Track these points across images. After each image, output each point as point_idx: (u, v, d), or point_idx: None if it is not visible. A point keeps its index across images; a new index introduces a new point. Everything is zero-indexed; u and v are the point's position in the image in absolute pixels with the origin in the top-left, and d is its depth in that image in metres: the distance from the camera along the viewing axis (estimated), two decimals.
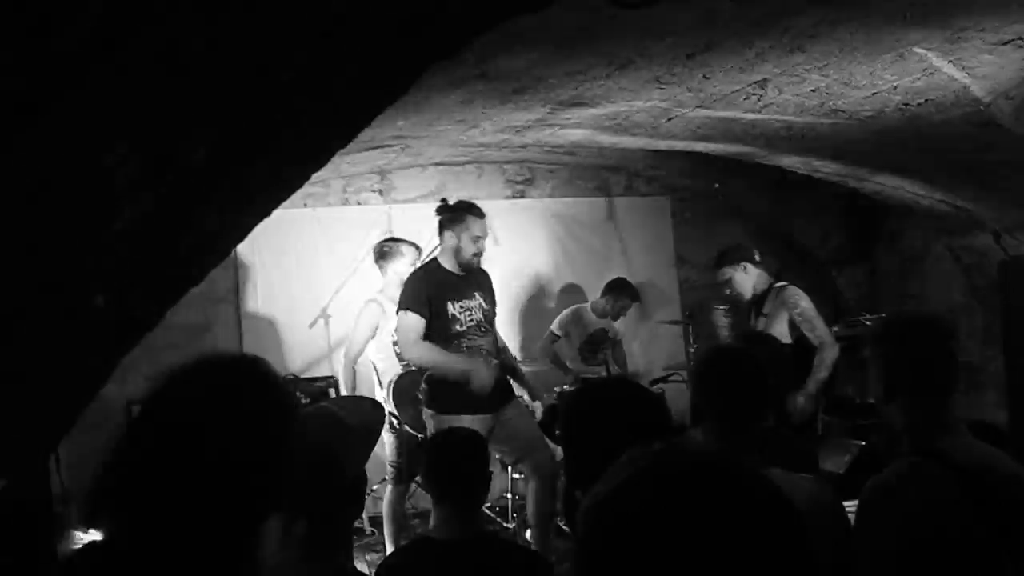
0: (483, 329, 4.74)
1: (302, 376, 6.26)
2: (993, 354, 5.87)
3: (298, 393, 5.71)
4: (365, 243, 6.68)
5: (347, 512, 2.07)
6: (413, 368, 5.10)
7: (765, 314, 5.08)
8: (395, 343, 5.22)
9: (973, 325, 6.23)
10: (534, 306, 6.99)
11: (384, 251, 5.65)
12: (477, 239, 4.70)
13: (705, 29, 3.12)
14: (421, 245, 6.39)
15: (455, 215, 4.74)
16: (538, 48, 3.33)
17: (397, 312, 4.70)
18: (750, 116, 4.41)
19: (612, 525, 0.92)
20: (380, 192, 6.87)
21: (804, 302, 4.97)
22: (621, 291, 6.43)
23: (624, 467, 0.97)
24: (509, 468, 5.84)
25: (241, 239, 0.97)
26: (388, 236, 5.57)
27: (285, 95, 0.77)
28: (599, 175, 7.21)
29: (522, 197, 7.14)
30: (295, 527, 2.02)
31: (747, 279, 5.20)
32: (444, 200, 4.89)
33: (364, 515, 5.99)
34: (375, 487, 6.18)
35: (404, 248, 5.62)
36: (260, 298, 6.52)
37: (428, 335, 4.59)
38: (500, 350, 4.93)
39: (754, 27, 3.12)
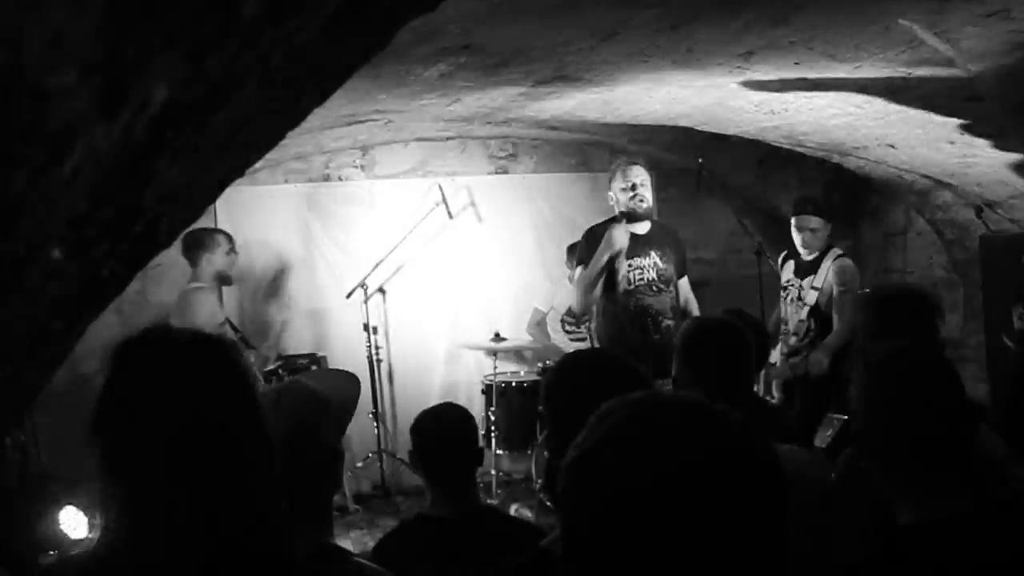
0: (655, 288, 4.75)
1: (285, 354, 6.23)
2: (974, 328, 5.90)
3: (280, 371, 5.69)
4: (348, 220, 6.65)
5: (325, 486, 2.05)
6: None
7: (814, 280, 5.14)
8: None
9: (955, 299, 6.26)
10: (519, 281, 6.96)
11: (197, 240, 5.33)
12: (624, 189, 4.74)
13: (688, 1, 3.09)
14: (401, 221, 6.37)
15: (611, 173, 4.86)
16: (521, 19, 3.29)
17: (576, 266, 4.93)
18: (738, 102, 4.40)
19: (597, 473, 0.91)
20: (362, 168, 6.83)
21: (856, 283, 5.09)
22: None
23: (603, 418, 0.96)
24: (493, 444, 5.85)
25: (212, 199, 0.94)
26: (200, 227, 5.36)
27: (251, 33, 0.74)
28: (582, 150, 7.18)
29: (505, 173, 7.10)
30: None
31: (821, 238, 5.25)
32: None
33: (348, 492, 5.98)
34: (359, 464, 6.18)
35: (219, 238, 5.40)
36: (242, 276, 6.46)
37: (601, 291, 4.71)
38: (679, 312, 4.89)
39: None
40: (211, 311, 5.22)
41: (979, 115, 4.18)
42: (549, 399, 1.87)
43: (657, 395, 1.03)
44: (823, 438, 2.81)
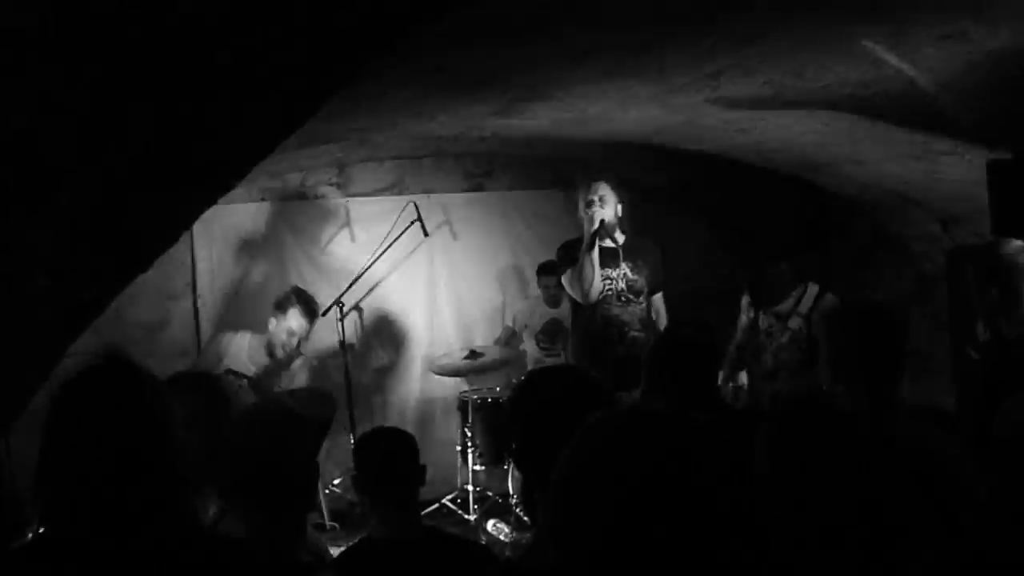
0: (623, 299, 4.86)
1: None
2: (943, 340, 5.99)
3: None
4: (322, 238, 6.68)
5: (299, 504, 2.09)
6: None
7: (802, 314, 5.16)
8: None
9: (923, 312, 6.35)
10: (494, 300, 7.02)
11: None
12: (598, 202, 4.89)
13: (657, 22, 3.16)
14: (376, 239, 6.42)
15: (581, 190, 5.02)
16: (494, 41, 3.35)
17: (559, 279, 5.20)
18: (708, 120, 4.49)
19: (590, 487, 0.97)
20: (338, 186, 6.86)
21: None
22: (540, 271, 6.50)
23: (584, 437, 1.03)
24: (470, 460, 5.88)
25: (188, 225, 0.98)
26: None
27: (224, 78, 0.79)
28: (557, 167, 7.24)
29: (480, 190, 7.16)
30: (251, 518, 2.03)
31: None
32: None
33: (325, 509, 5.99)
34: (336, 481, 6.19)
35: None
36: (218, 293, 6.47)
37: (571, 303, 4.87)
38: (649, 324, 4.98)
39: (706, 20, 3.17)
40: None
41: (942, 132, 4.27)
42: (515, 414, 1.92)
43: (630, 410, 1.10)
44: None
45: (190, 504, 1.57)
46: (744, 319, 5.33)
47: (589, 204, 4.93)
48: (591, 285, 4.88)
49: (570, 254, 4.98)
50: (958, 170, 4.69)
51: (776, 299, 5.18)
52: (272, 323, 5.50)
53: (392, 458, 2.71)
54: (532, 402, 1.88)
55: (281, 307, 5.53)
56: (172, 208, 1.02)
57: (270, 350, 5.51)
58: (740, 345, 5.41)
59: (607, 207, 4.94)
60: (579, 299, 5.06)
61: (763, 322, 5.30)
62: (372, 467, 2.71)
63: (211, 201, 1.58)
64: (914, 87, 3.78)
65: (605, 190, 4.96)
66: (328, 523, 5.97)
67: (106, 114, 0.65)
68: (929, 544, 1.96)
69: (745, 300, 5.42)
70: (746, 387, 5.34)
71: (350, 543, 2.88)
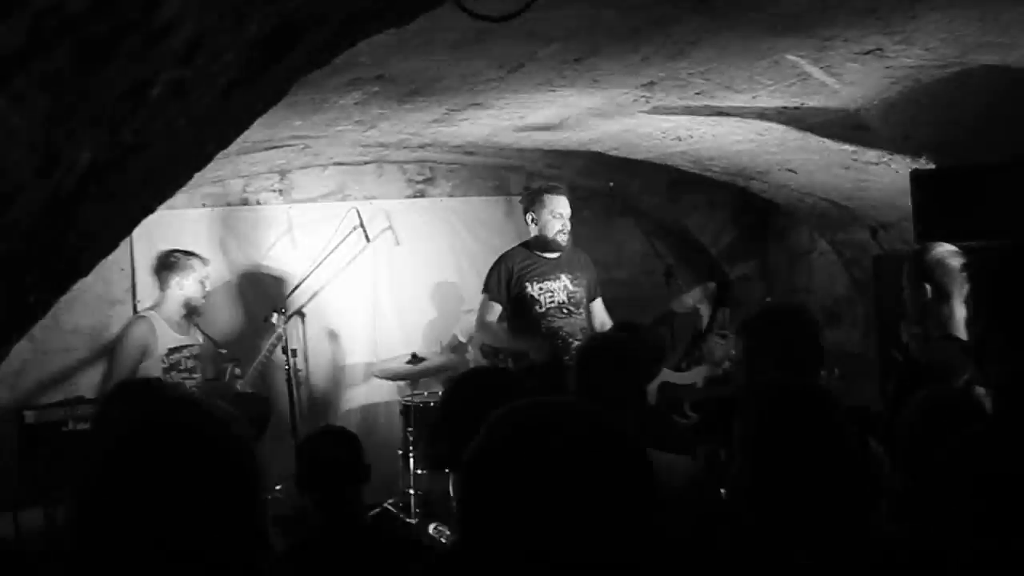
0: (565, 311, 4.85)
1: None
2: (873, 343, 6.17)
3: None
4: (264, 244, 6.67)
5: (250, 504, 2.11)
6: None
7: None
8: None
9: (855, 315, 6.54)
10: (437, 305, 7.06)
11: (171, 262, 5.33)
12: (558, 215, 4.85)
13: (589, 35, 3.25)
14: (319, 245, 6.43)
15: (534, 195, 4.93)
16: (431, 52, 3.41)
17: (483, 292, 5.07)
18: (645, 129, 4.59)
19: (489, 469, 1.04)
20: (280, 192, 6.86)
21: None
22: None
23: (492, 423, 1.10)
24: (411, 463, 5.92)
25: (127, 234, 1.02)
26: (175, 248, 5.35)
27: (157, 108, 0.85)
28: (498, 174, 7.31)
29: (423, 196, 7.20)
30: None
31: None
32: (526, 186, 5.15)
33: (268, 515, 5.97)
34: (278, 487, 6.18)
35: (195, 263, 5.40)
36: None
37: (511, 316, 4.76)
38: (587, 333, 4.99)
39: (637, 33, 3.26)
40: (143, 343, 5.17)
41: (868, 143, 4.43)
42: (444, 414, 1.99)
43: (537, 401, 1.17)
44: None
45: None
46: (701, 308, 5.46)
47: (560, 217, 4.93)
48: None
49: (504, 283, 5.00)
50: (885, 179, 4.85)
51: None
52: (175, 283, 5.29)
53: (334, 458, 2.75)
54: (456, 403, 1.95)
55: (175, 266, 5.29)
56: (113, 219, 1.06)
57: (189, 311, 5.34)
58: (695, 335, 5.55)
59: (567, 223, 4.98)
60: (475, 332, 5.25)
61: (719, 320, 5.46)
62: (314, 467, 2.75)
63: (149, 210, 1.62)
64: (837, 99, 3.91)
65: (568, 207, 5.00)
66: (271, 529, 5.96)
67: (59, 141, 0.70)
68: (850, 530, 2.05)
69: (703, 292, 5.54)
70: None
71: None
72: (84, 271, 0.99)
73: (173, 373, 5.26)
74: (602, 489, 1.03)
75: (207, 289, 5.47)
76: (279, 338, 5.91)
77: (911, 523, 2.05)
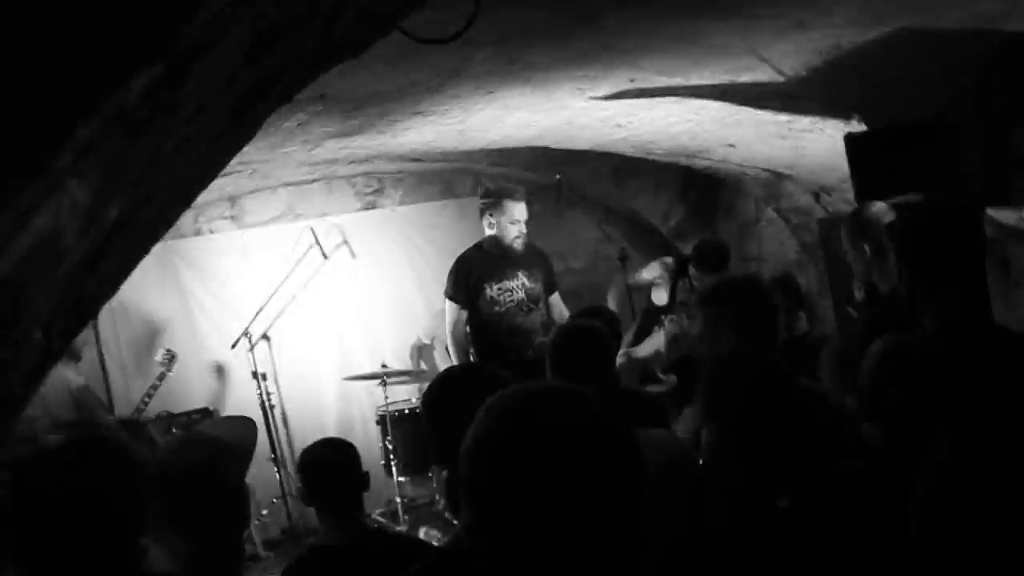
0: (525, 308, 4.92)
1: (175, 411, 6.22)
2: (828, 304, 6.34)
3: (173, 428, 5.70)
4: (223, 271, 6.69)
5: (233, 526, 2.18)
6: None
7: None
8: None
9: (808, 278, 6.71)
10: (399, 313, 7.12)
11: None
12: (516, 222, 4.90)
13: (521, 36, 3.34)
14: (277, 267, 6.46)
15: (494, 200, 4.95)
16: (370, 67, 3.48)
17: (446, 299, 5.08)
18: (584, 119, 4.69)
19: (491, 455, 1.13)
20: (232, 218, 6.88)
21: None
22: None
23: (488, 410, 1.19)
24: (394, 472, 5.98)
25: (127, 276, 1.10)
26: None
27: (167, 162, 0.93)
28: (446, 178, 7.39)
29: (373, 208, 7.25)
30: (182, 545, 2.12)
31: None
32: (487, 188, 5.15)
33: (257, 539, 6.02)
34: (264, 511, 6.22)
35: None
36: (120, 335, 6.43)
37: (471, 317, 4.83)
38: (551, 327, 5.03)
39: (568, 30, 3.36)
40: (60, 384, 5.10)
41: (801, 111, 4.56)
42: (431, 413, 2.06)
43: (529, 386, 1.26)
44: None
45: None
46: (660, 282, 5.59)
47: (519, 223, 5.03)
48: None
49: (465, 282, 5.05)
50: (820, 145, 4.99)
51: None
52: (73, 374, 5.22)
53: (334, 467, 2.82)
54: (444, 398, 2.03)
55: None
56: (121, 264, 1.14)
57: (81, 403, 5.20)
58: (661, 308, 5.67)
59: (524, 227, 5.04)
60: (445, 335, 5.22)
61: (680, 292, 5.59)
62: (316, 477, 2.83)
63: (147, 252, 1.70)
64: (770, 73, 4.04)
65: (525, 212, 5.08)
66: (263, 553, 6.01)
67: (99, 202, 0.81)
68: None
69: (661, 267, 5.66)
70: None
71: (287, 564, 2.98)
72: (94, 315, 1.07)
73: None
74: (596, 465, 1.11)
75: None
76: (161, 377, 5.93)
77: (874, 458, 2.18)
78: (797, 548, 1.80)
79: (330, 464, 2.84)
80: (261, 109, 1.09)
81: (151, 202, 1.01)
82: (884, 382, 2.16)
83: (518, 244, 5.00)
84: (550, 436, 1.11)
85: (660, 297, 5.76)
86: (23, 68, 0.69)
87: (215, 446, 2.09)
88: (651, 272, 5.87)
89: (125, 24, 0.74)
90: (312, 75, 1.17)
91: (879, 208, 3.59)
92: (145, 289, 6.46)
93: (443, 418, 2.00)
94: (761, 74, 4.11)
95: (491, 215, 5.05)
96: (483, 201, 5.13)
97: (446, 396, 2.07)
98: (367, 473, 2.89)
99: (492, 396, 1.21)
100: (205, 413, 6.14)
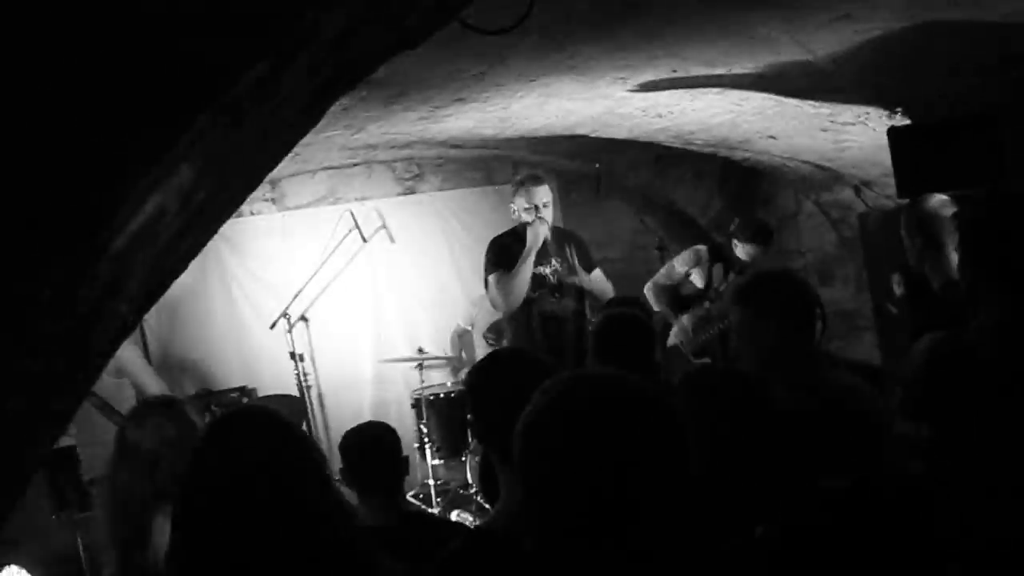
0: (556, 295, 4.93)
1: (215, 390, 6.32)
2: (867, 299, 6.31)
3: (212, 406, 5.79)
4: (263, 253, 6.77)
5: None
6: None
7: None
8: None
9: (846, 273, 6.68)
10: (436, 298, 7.17)
11: None
12: (528, 210, 4.82)
13: (565, 24, 3.35)
14: (316, 250, 6.53)
15: (516, 186, 4.94)
16: (415, 53, 3.51)
17: (485, 276, 4.97)
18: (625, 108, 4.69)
19: (545, 433, 1.16)
20: (273, 201, 6.96)
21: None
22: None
23: (544, 392, 1.22)
24: (428, 455, 6.04)
25: (196, 256, 1.15)
26: None
27: (250, 148, 0.98)
28: (485, 165, 7.41)
29: (412, 193, 7.30)
30: None
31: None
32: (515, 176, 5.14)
33: None
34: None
35: None
36: (163, 317, 6.53)
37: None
38: (581, 313, 5.03)
39: (613, 18, 3.37)
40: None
41: (844, 104, 4.54)
42: (474, 395, 2.08)
43: (584, 371, 1.29)
44: None
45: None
46: (694, 272, 5.61)
47: (533, 210, 4.83)
48: (521, 296, 4.87)
49: (506, 254, 4.98)
50: (863, 138, 4.97)
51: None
52: None
53: (377, 451, 2.87)
54: (489, 381, 2.06)
55: None
56: (195, 244, 1.21)
57: None
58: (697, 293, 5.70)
59: (549, 211, 4.90)
60: (502, 307, 5.00)
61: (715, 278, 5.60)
62: (358, 460, 2.87)
63: (215, 232, 1.76)
64: (812, 67, 4.03)
65: (546, 195, 4.89)
66: None
67: (197, 186, 0.87)
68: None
69: (694, 256, 5.68)
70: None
71: None
72: (162, 293, 1.12)
73: None
74: (646, 446, 1.14)
75: None
76: None
77: (925, 466, 2.16)
78: None
79: (373, 447, 2.88)
80: (331, 97, 1.13)
81: (230, 185, 1.06)
82: (934, 380, 2.15)
83: (541, 230, 4.92)
84: (601, 417, 1.15)
85: (697, 282, 5.76)
86: (156, 61, 0.74)
87: (282, 427, 2.14)
88: (684, 263, 5.86)
89: (243, 20, 0.79)
90: (375, 66, 1.21)
91: (937, 202, 3.57)
92: (192, 268, 6.54)
93: (487, 400, 2.03)
94: (805, 66, 4.09)
95: (513, 201, 4.99)
96: (512, 188, 5.10)
97: (491, 379, 2.09)
98: (407, 458, 2.93)
99: (544, 381, 1.24)
100: (243, 392, 6.24)
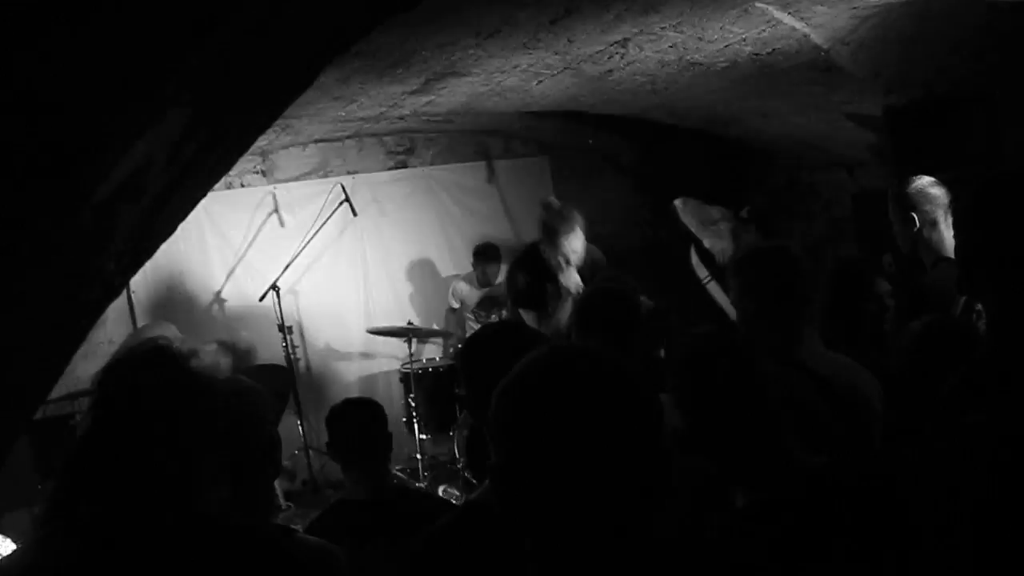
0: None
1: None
2: None
3: None
4: (252, 224, 6.72)
5: (266, 473, 2.21)
6: None
7: None
8: None
9: (837, 254, 6.66)
10: (427, 272, 7.15)
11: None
12: (567, 257, 4.58)
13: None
14: (306, 222, 6.50)
15: (550, 234, 4.57)
16: (409, 23, 3.48)
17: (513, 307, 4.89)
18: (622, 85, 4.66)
19: (519, 397, 1.16)
20: (263, 173, 6.90)
21: None
22: (482, 256, 6.67)
23: (523, 361, 1.22)
24: (416, 429, 6.04)
25: (184, 219, 1.10)
26: None
27: (242, 103, 0.95)
28: (477, 139, 7.37)
29: (403, 167, 7.26)
30: (218, 491, 2.16)
31: None
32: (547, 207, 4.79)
33: (279, 489, 6.09)
34: (286, 462, 6.29)
35: None
36: (150, 284, 6.48)
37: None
38: None
39: None
40: None
41: (838, 83, 4.52)
42: (466, 366, 2.07)
43: (561, 343, 1.28)
44: None
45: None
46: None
47: (567, 258, 4.56)
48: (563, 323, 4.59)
49: (535, 292, 4.67)
50: (858, 118, 4.95)
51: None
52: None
53: (363, 426, 2.88)
54: (479, 353, 2.04)
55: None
56: (186, 201, 1.15)
57: None
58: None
59: (579, 254, 4.62)
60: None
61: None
62: (345, 435, 2.88)
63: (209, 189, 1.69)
64: (808, 42, 4.00)
65: (580, 240, 4.59)
66: (283, 503, 6.09)
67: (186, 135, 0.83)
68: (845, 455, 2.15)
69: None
70: None
71: (308, 519, 3.03)
72: (150, 255, 1.08)
73: None
74: (616, 417, 1.14)
75: None
76: None
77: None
78: (749, 552, 1.75)
79: (357, 422, 2.89)
80: (325, 59, 1.10)
81: (220, 143, 1.03)
82: (924, 366, 2.13)
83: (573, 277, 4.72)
84: (574, 386, 1.15)
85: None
86: None
87: (251, 395, 2.12)
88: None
89: None
90: (370, 27, 1.17)
91: (925, 181, 3.56)
92: (175, 239, 6.49)
93: (479, 373, 2.01)
94: (800, 43, 4.07)
95: (545, 244, 4.72)
96: (542, 229, 4.79)
97: (484, 351, 2.08)
98: (391, 434, 2.93)
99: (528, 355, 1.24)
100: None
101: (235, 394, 2.05)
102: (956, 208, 2.51)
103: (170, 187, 0.92)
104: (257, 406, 2.08)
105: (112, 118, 0.73)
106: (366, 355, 6.93)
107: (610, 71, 4.61)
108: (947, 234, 3.37)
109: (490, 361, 1.97)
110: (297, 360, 6.54)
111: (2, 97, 0.66)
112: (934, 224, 3.44)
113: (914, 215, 3.44)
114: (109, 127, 0.73)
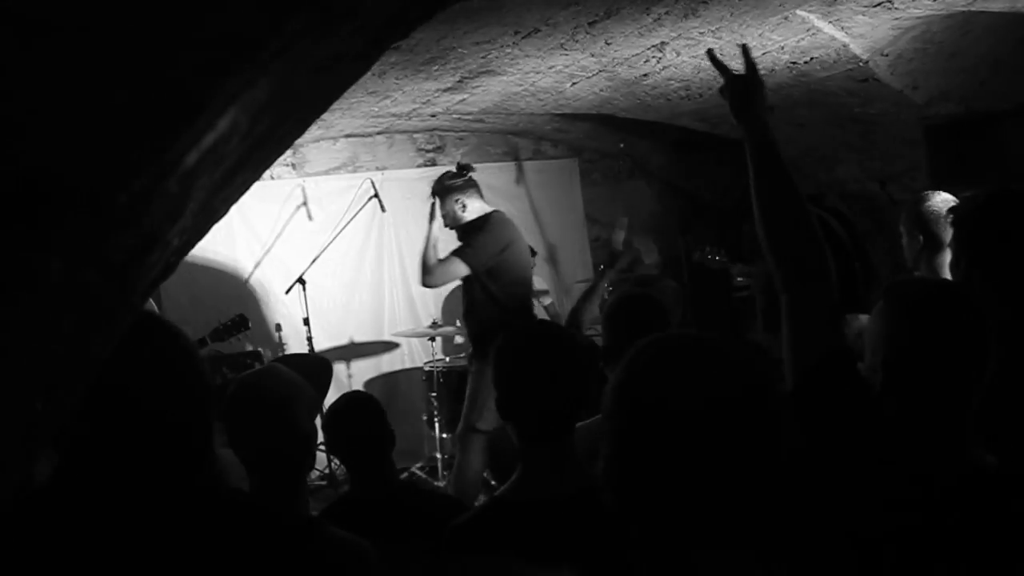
0: None
1: (227, 353, 6.31)
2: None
3: (224, 369, 5.80)
4: (280, 217, 6.76)
5: (302, 466, 2.21)
6: None
7: None
8: None
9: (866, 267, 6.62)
10: None
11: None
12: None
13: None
14: (334, 217, 6.52)
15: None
16: (448, 20, 3.49)
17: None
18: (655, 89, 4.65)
19: (636, 391, 1.14)
20: (293, 166, 6.93)
21: None
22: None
23: (638, 351, 1.19)
24: (437, 428, 6.04)
25: (240, 197, 1.09)
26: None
27: (315, 80, 0.96)
28: (507, 140, 7.38)
29: (433, 165, 7.27)
30: (250, 480, 2.17)
31: None
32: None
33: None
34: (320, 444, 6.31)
35: None
36: (179, 279, 6.51)
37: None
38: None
39: None
40: None
41: (875, 94, 4.49)
42: (499, 373, 2.02)
43: (675, 333, 1.26)
44: None
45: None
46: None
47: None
48: None
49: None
50: (892, 131, 4.92)
51: None
52: None
53: (353, 422, 2.82)
54: (516, 357, 2.02)
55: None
56: (232, 193, 1.13)
57: None
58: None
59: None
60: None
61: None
62: (343, 431, 2.83)
63: (254, 180, 1.65)
64: (847, 52, 3.98)
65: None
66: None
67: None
68: None
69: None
70: None
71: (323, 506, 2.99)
72: (204, 234, 1.07)
73: None
74: (745, 418, 1.11)
75: None
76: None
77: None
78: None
79: (350, 418, 2.83)
80: (387, 43, 1.09)
81: (285, 122, 1.02)
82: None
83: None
84: (705, 376, 1.12)
85: None
86: None
87: (290, 386, 2.11)
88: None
89: None
90: (432, 13, 1.17)
91: (939, 200, 3.52)
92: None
93: (511, 376, 2.00)
94: (839, 53, 4.05)
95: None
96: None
97: (517, 355, 2.06)
98: (392, 432, 2.87)
99: (570, 358, 1.21)
100: (254, 356, 6.23)
101: (273, 384, 2.05)
102: (955, 219, 2.47)
103: (239, 162, 0.92)
104: (286, 403, 2.08)
105: (216, 79, 0.73)
106: (389, 351, 6.95)
107: (645, 75, 4.60)
108: (949, 257, 3.35)
109: (523, 365, 1.96)
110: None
111: (122, 49, 0.64)
112: (939, 245, 3.39)
113: (920, 236, 3.41)
114: (212, 89, 0.72)
